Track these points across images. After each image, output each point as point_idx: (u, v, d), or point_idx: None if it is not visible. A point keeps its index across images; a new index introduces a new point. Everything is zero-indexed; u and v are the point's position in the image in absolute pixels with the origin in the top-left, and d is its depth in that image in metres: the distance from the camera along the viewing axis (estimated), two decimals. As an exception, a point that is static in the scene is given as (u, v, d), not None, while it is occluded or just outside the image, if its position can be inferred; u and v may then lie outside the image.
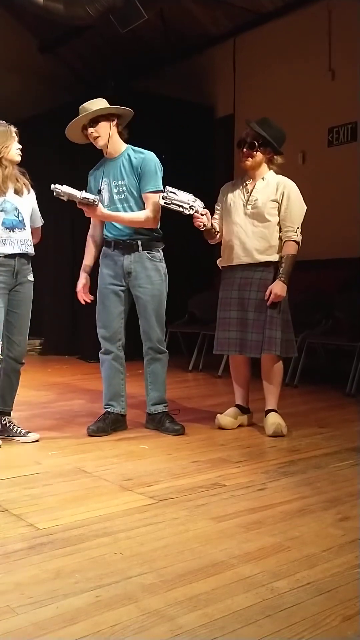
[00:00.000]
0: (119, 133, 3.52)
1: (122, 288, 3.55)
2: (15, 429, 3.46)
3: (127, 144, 3.57)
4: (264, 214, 3.50)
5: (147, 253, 3.51)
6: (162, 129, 6.51)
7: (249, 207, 3.53)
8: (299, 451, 3.23)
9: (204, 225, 3.42)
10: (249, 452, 3.24)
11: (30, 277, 3.42)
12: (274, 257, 3.52)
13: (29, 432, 3.46)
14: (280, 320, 3.49)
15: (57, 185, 3.22)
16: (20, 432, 3.44)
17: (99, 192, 3.49)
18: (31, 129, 7.19)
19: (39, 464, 3.02)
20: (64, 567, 1.92)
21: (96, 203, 3.30)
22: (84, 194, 3.28)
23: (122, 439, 3.47)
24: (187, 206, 3.31)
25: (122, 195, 3.48)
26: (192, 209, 3.33)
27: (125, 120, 3.55)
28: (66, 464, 3.00)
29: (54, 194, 3.24)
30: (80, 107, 3.45)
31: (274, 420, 3.52)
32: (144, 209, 3.47)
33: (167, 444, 3.36)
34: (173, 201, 3.28)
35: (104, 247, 3.62)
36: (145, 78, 7.42)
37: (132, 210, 3.47)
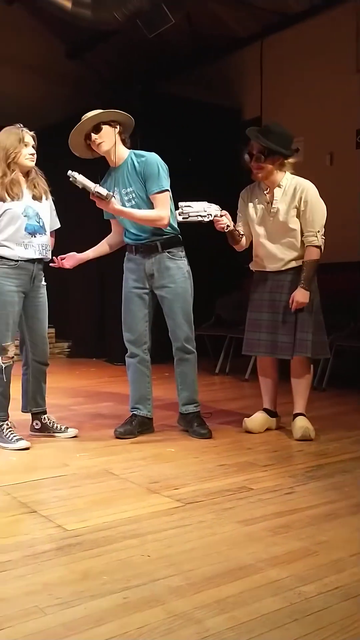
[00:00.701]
0: (122, 141, 3.49)
1: (146, 291, 3.57)
2: (55, 425, 3.57)
3: (130, 149, 3.53)
4: (287, 224, 3.47)
5: (167, 253, 3.51)
6: (188, 131, 6.52)
7: (271, 218, 3.50)
8: (326, 455, 3.20)
9: (227, 226, 3.41)
10: (276, 455, 3.22)
11: (44, 282, 3.49)
12: (301, 262, 3.50)
13: (68, 427, 3.57)
14: (312, 322, 3.47)
15: (74, 173, 3.23)
16: (60, 428, 3.57)
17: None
18: (58, 134, 7.29)
19: (67, 465, 3.04)
20: (91, 568, 1.93)
21: (108, 199, 3.30)
22: (97, 188, 3.27)
23: (148, 442, 3.48)
24: (204, 214, 3.32)
25: (133, 202, 3.47)
26: (210, 216, 3.33)
27: (128, 129, 3.52)
28: (94, 466, 3.02)
29: (70, 179, 3.24)
30: (83, 117, 3.44)
31: (302, 424, 3.50)
32: None
33: (194, 447, 3.37)
34: (190, 214, 3.30)
35: (126, 253, 3.63)
36: (172, 81, 7.45)
37: None
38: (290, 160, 3.52)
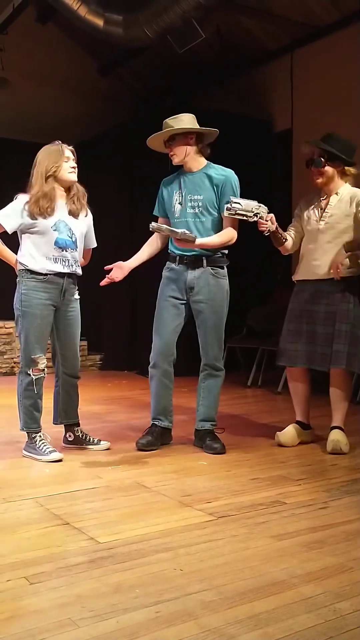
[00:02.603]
0: (200, 150, 3.55)
1: (182, 302, 3.57)
2: (87, 438, 3.59)
3: (207, 160, 3.59)
4: (339, 230, 3.45)
5: (212, 269, 3.52)
6: (219, 144, 6.53)
7: (322, 223, 3.49)
8: (361, 469, 3.15)
9: (268, 230, 3.41)
10: (310, 469, 3.18)
11: (76, 296, 3.50)
12: (345, 272, 3.46)
13: (101, 440, 3.59)
14: (349, 333, 3.44)
15: (159, 225, 3.29)
16: (92, 440, 3.59)
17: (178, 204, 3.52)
18: (92, 149, 7.39)
19: (100, 478, 3.05)
20: (124, 582, 1.93)
21: (194, 240, 3.34)
22: (185, 232, 3.30)
23: (180, 455, 3.47)
24: (251, 214, 3.32)
25: (197, 210, 3.50)
26: (257, 216, 3.33)
27: (208, 139, 3.58)
28: (126, 479, 3.02)
29: (153, 229, 3.30)
30: (164, 121, 3.49)
31: (333, 438, 3.45)
32: (218, 224, 3.49)
33: (226, 461, 3.35)
34: (237, 211, 3.29)
35: (168, 262, 3.63)
36: (203, 94, 7.49)
37: (202, 225, 3.47)
38: (352, 170, 3.50)
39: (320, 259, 3.51)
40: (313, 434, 3.71)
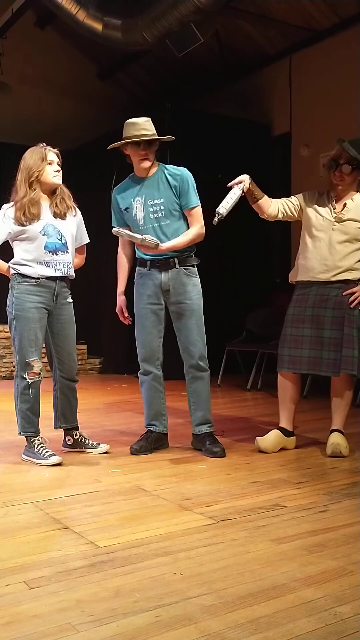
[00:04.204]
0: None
1: (160, 307, 3.55)
2: (86, 441, 3.58)
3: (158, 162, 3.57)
4: (352, 235, 3.41)
5: (184, 269, 3.51)
6: (218, 148, 6.55)
7: (337, 224, 3.43)
8: (361, 472, 3.15)
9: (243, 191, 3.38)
10: (310, 472, 3.18)
11: (69, 299, 3.49)
12: (351, 276, 3.42)
13: (100, 443, 3.58)
14: (357, 338, 3.39)
15: (119, 230, 3.29)
16: (91, 444, 3.58)
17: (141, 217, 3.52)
18: (91, 153, 7.41)
19: (99, 481, 3.05)
20: (123, 586, 1.92)
21: (157, 247, 3.33)
22: (145, 242, 3.29)
23: (180, 458, 3.47)
24: (234, 195, 3.31)
25: (159, 214, 3.47)
26: (236, 193, 3.33)
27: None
28: (125, 482, 3.02)
29: (114, 233, 3.30)
30: (133, 122, 3.41)
31: (333, 441, 3.44)
32: (184, 224, 3.48)
33: (226, 464, 3.34)
34: (228, 210, 3.28)
35: (138, 267, 3.61)
36: (202, 98, 7.51)
37: (167, 228, 3.46)
38: None
39: (331, 259, 3.42)
40: (295, 441, 3.65)
